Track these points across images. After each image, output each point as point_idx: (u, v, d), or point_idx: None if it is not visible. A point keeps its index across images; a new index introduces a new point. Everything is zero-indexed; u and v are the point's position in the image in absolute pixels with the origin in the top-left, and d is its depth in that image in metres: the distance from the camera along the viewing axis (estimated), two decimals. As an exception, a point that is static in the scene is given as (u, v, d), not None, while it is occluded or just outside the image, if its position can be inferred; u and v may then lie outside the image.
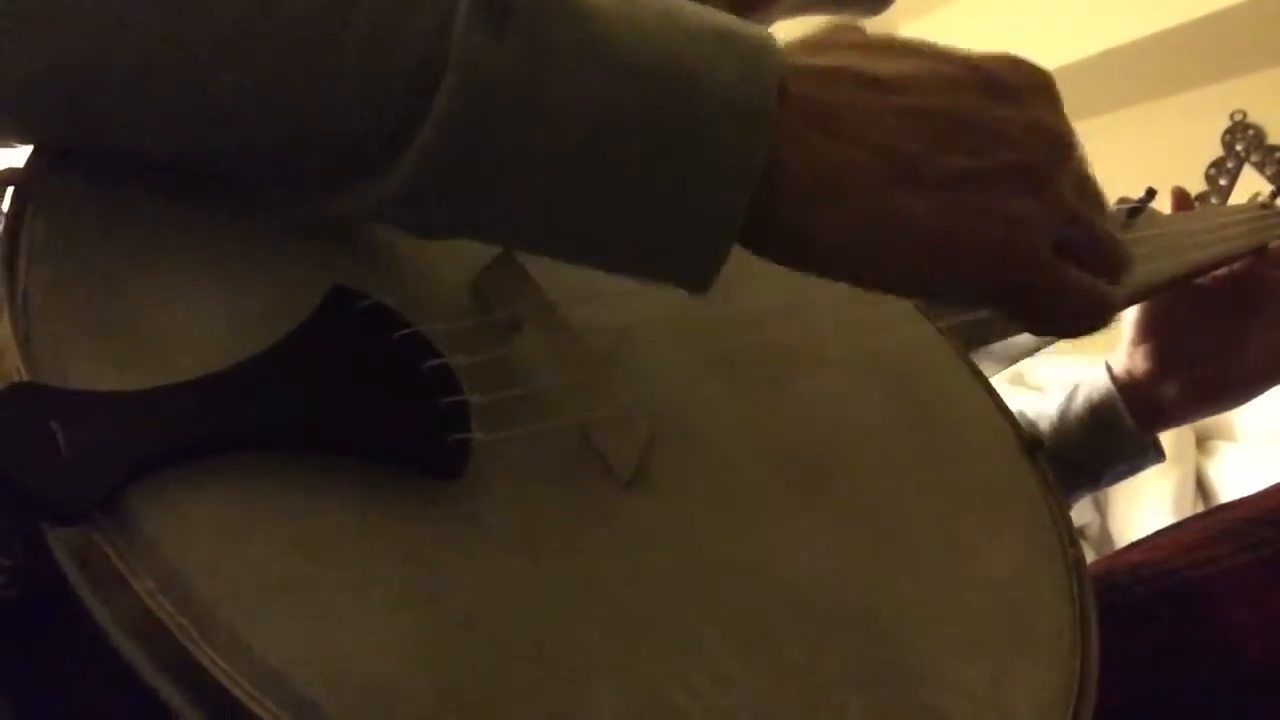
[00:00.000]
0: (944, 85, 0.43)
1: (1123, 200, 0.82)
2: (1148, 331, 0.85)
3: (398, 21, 0.37)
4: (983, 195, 0.42)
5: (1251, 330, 0.82)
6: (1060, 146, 0.44)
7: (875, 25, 0.82)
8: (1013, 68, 0.44)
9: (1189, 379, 0.82)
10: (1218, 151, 3.35)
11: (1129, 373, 0.85)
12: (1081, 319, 0.46)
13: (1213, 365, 0.82)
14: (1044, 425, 0.86)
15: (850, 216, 0.41)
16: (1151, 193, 0.82)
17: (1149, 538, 0.69)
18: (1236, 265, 0.84)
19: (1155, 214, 0.82)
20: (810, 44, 0.44)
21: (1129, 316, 0.85)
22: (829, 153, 0.41)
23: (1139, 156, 3.32)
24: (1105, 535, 2.41)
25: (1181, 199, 0.87)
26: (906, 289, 0.44)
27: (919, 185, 0.41)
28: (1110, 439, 0.83)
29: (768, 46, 0.41)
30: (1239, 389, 0.82)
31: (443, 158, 0.38)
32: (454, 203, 0.40)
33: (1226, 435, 2.60)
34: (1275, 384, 0.83)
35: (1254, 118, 3.31)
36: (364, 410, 0.38)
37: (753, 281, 0.46)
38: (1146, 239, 0.79)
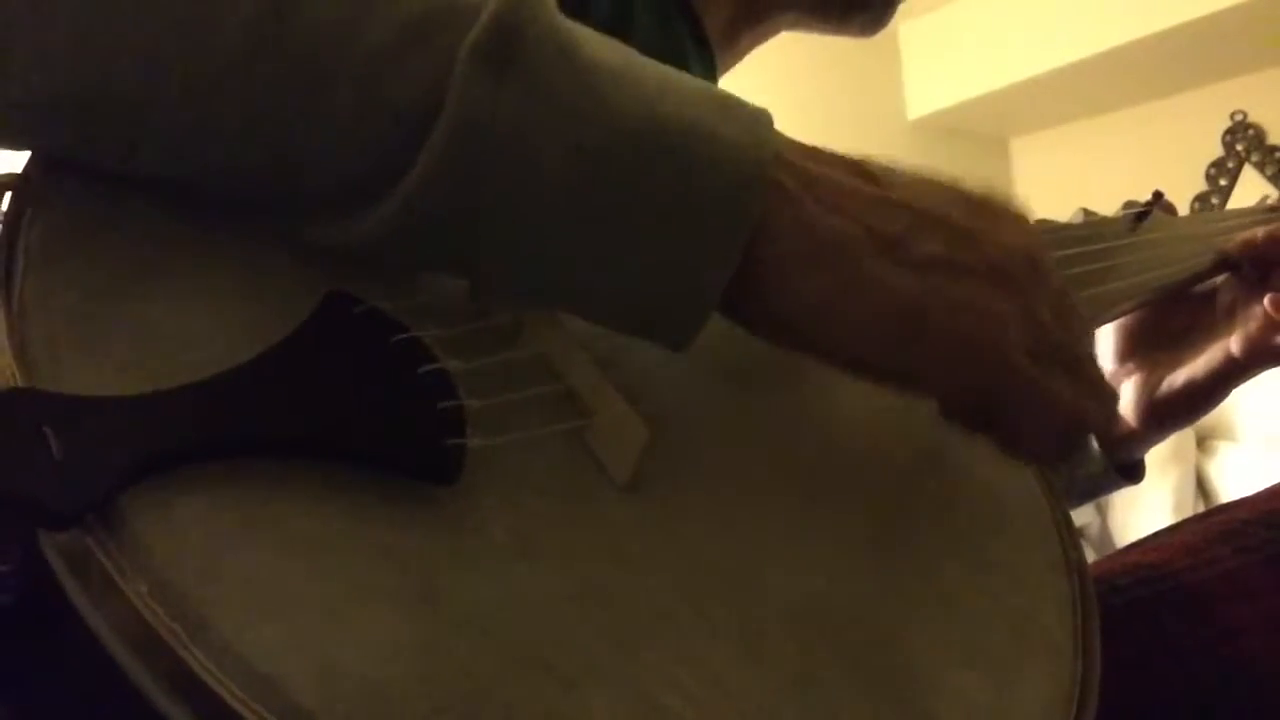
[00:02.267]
0: (930, 191, 0.45)
1: (1129, 204, 0.81)
2: (1115, 329, 0.84)
3: (398, 62, 0.38)
4: (957, 285, 0.44)
5: (1207, 342, 0.80)
6: (1037, 268, 0.46)
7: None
8: (995, 197, 0.47)
9: (1140, 385, 0.81)
10: (1218, 151, 3.35)
11: None
12: (1050, 428, 0.46)
13: (1163, 372, 0.80)
14: None
15: (829, 280, 0.42)
16: (1158, 195, 0.81)
17: (1148, 539, 0.69)
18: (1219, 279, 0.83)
19: (1162, 217, 0.82)
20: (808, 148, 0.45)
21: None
22: (816, 218, 0.42)
23: (1139, 156, 3.33)
24: (1105, 536, 2.41)
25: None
26: (874, 367, 0.45)
27: (897, 262, 0.43)
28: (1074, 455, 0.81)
29: (764, 116, 0.42)
30: (1185, 401, 0.80)
31: (430, 198, 0.38)
32: (437, 241, 0.40)
33: (1227, 435, 2.61)
34: (1218, 400, 0.81)
35: (1254, 118, 3.31)
36: (359, 415, 0.38)
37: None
38: (1154, 242, 0.79)
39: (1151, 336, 0.82)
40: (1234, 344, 0.77)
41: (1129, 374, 0.82)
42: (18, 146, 0.41)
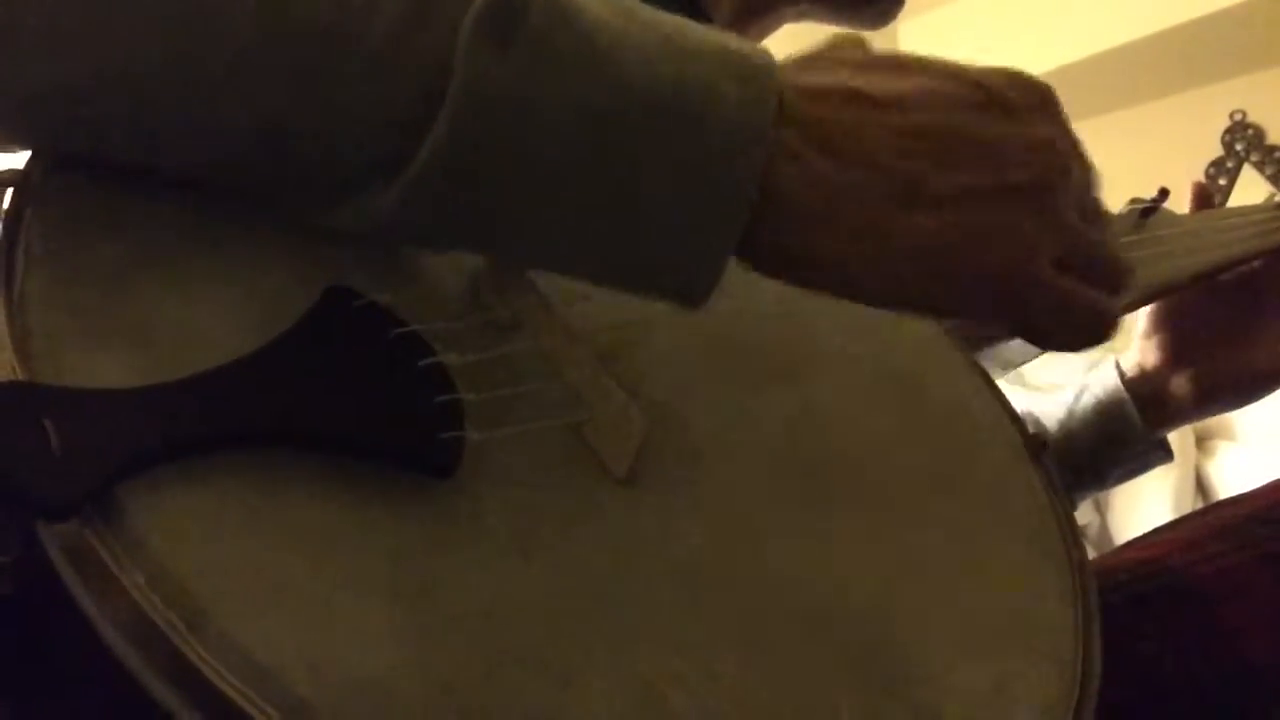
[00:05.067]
0: (945, 103, 0.43)
1: (1135, 200, 0.82)
2: (1160, 323, 0.85)
3: (405, 42, 0.38)
4: (981, 214, 0.42)
5: (1262, 327, 0.82)
6: (1061, 163, 0.44)
7: (875, 25, 0.82)
8: (1015, 83, 0.44)
9: (1198, 373, 0.82)
10: (1218, 151, 3.35)
11: (1139, 366, 0.85)
12: (1081, 333, 0.46)
13: (1222, 359, 0.82)
14: (1051, 425, 0.85)
15: (848, 235, 0.42)
16: (1164, 192, 0.81)
17: (1148, 535, 0.69)
18: (1255, 263, 0.84)
19: (1169, 214, 0.82)
20: (810, 61, 0.44)
21: (1143, 309, 0.85)
22: (827, 172, 0.41)
23: (1139, 156, 3.31)
24: (1105, 535, 2.41)
25: (1202, 196, 0.87)
26: (906, 305, 0.44)
27: (917, 204, 0.42)
28: (1117, 437, 0.83)
29: (767, 67, 0.41)
30: (1246, 385, 0.82)
31: (444, 171, 0.38)
32: (452, 216, 0.40)
33: (1226, 435, 2.60)
34: (1274, 390, 0.83)
35: (1254, 118, 3.31)
36: (357, 408, 0.38)
37: (756, 280, 0.46)
38: (1160, 239, 0.79)
39: (1200, 327, 0.83)
40: None
41: (1180, 363, 0.83)
42: (19, 143, 0.41)
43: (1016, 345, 0.70)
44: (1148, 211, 0.80)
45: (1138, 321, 0.86)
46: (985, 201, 0.42)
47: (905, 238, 0.42)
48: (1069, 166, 0.44)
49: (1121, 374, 0.85)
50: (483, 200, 0.39)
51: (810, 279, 0.43)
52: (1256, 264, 0.84)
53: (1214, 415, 0.86)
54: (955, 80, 0.44)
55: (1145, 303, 0.81)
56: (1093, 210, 0.47)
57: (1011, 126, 0.43)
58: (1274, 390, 0.83)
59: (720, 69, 0.40)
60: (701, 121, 0.39)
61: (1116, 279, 0.47)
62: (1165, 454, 0.85)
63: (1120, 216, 0.79)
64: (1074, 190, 0.45)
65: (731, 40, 0.42)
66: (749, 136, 0.40)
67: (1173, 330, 0.84)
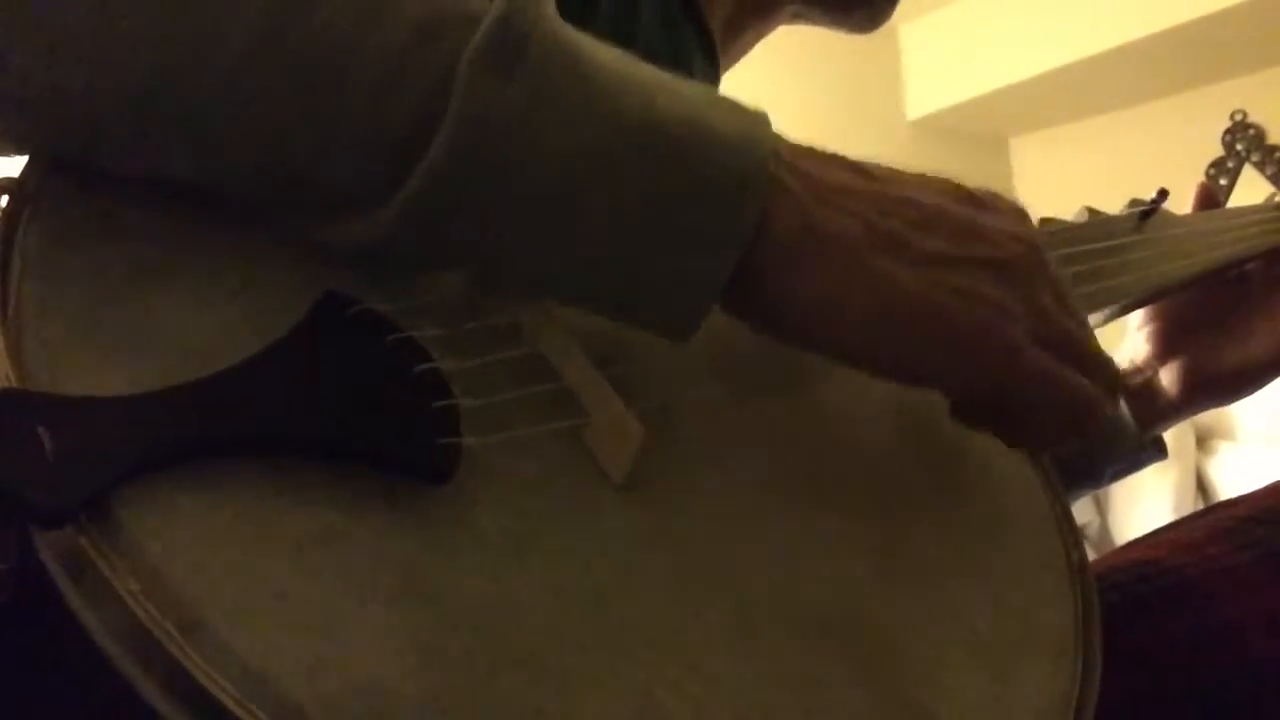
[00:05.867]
0: (931, 189, 0.46)
1: (1135, 202, 0.82)
2: (1151, 316, 0.85)
3: (405, 64, 0.38)
4: (961, 278, 0.44)
5: (1255, 321, 0.82)
6: (1037, 255, 0.46)
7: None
8: (991, 193, 0.48)
9: (1185, 367, 0.82)
10: (1218, 151, 3.35)
11: (1131, 360, 0.85)
12: (1062, 415, 0.46)
13: (1209, 355, 0.82)
14: None
15: (831, 276, 0.42)
16: (1164, 193, 0.81)
17: (1148, 535, 0.69)
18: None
19: (1168, 215, 0.82)
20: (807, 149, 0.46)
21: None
22: (817, 216, 0.42)
23: (1139, 156, 3.32)
24: (1105, 535, 2.41)
25: (1206, 197, 0.87)
26: (880, 362, 0.45)
27: (900, 258, 0.43)
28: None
29: (760, 113, 0.43)
30: (1232, 382, 0.82)
31: (438, 194, 0.38)
32: (443, 239, 0.40)
33: (1227, 434, 2.60)
34: (1273, 378, 0.82)
35: (1254, 118, 3.31)
36: (353, 414, 0.38)
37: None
38: (1160, 240, 0.79)
39: (1192, 320, 0.83)
40: None
41: (1173, 356, 0.83)
42: (14, 151, 0.41)
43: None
44: (1147, 213, 0.80)
45: (1131, 317, 0.86)
46: (963, 267, 0.44)
47: (884, 283, 0.43)
48: (1044, 260, 0.47)
49: None
50: (471, 224, 0.40)
51: (785, 321, 0.44)
52: (1250, 264, 0.84)
53: (1201, 411, 0.85)
54: (938, 178, 0.47)
55: (1143, 304, 0.81)
56: (1070, 308, 0.48)
57: (990, 218, 0.46)
58: (1259, 388, 0.82)
59: (716, 112, 0.41)
60: (699, 159, 0.40)
61: (1103, 371, 0.48)
62: (1159, 453, 0.84)
63: (1120, 218, 0.79)
64: (1050, 282, 0.47)
65: (723, 95, 0.43)
66: (747, 175, 0.41)
67: (1163, 323, 0.84)
